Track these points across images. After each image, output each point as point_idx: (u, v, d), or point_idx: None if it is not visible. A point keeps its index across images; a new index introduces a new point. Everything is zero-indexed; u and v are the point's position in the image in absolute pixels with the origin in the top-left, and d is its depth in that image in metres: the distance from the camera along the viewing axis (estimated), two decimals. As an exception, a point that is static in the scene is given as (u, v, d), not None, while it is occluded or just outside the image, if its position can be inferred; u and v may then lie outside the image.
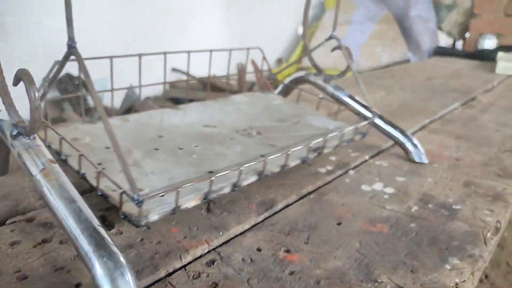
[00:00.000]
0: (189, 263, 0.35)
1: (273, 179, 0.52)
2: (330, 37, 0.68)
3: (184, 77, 1.99)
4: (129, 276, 0.28)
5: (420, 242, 0.41)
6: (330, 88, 0.71)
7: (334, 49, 0.68)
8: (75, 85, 1.47)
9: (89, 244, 0.29)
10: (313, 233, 0.41)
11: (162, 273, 0.34)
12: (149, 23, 1.89)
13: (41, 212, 0.41)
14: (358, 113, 0.67)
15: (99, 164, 0.44)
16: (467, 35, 2.16)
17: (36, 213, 0.41)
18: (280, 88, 0.80)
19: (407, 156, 0.63)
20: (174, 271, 0.34)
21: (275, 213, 0.45)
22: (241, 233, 0.41)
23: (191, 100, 2.12)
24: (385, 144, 0.68)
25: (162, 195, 0.35)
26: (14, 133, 0.36)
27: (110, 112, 0.81)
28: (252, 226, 0.42)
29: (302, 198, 0.49)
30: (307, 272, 0.35)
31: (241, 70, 1.87)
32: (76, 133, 0.52)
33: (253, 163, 0.42)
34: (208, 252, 0.37)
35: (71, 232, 0.30)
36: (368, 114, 0.65)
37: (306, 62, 2.41)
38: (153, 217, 0.35)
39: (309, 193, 0.50)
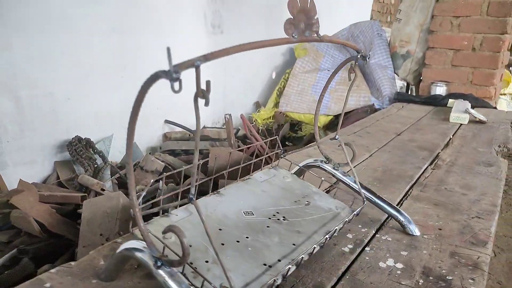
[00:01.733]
0: None
1: (312, 261, 0.68)
2: (334, 138, 0.86)
3: (177, 128, 2.13)
4: None
5: (432, 313, 0.59)
6: (338, 174, 0.89)
7: (340, 145, 0.87)
8: (84, 145, 1.57)
9: None
10: (359, 312, 0.58)
11: None
12: (141, 81, 2.02)
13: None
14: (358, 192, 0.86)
15: (191, 263, 0.58)
16: (421, 80, 2.46)
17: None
18: (295, 169, 0.97)
19: (403, 229, 0.82)
20: None
21: (326, 295, 0.62)
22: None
23: (185, 151, 2.21)
24: (383, 216, 0.87)
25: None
26: (159, 264, 0.50)
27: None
28: (316, 310, 0.58)
29: (340, 279, 0.66)
30: None
31: (229, 121, 2.03)
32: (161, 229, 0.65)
33: (298, 256, 0.59)
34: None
35: None
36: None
37: (282, 106, 2.62)
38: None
39: (343, 273, 0.67)
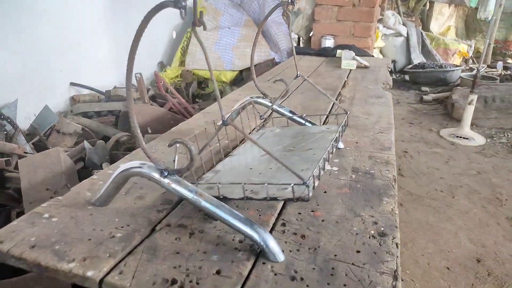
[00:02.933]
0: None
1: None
2: (297, 76, 1.00)
3: (84, 91, 2.03)
4: (267, 233, 0.57)
5: (368, 193, 0.78)
6: (275, 107, 1.04)
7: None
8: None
9: (243, 225, 0.57)
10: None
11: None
12: (44, 44, 1.86)
13: (170, 219, 0.64)
14: (298, 122, 1.02)
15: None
16: (312, 35, 2.73)
17: (168, 220, 0.64)
18: (233, 110, 1.08)
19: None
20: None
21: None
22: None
23: (98, 112, 2.17)
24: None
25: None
26: (165, 174, 0.59)
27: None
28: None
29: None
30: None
31: (140, 80, 2.03)
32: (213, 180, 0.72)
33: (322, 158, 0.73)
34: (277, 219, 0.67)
35: (229, 222, 0.57)
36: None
37: (188, 65, 2.66)
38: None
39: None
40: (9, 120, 1.53)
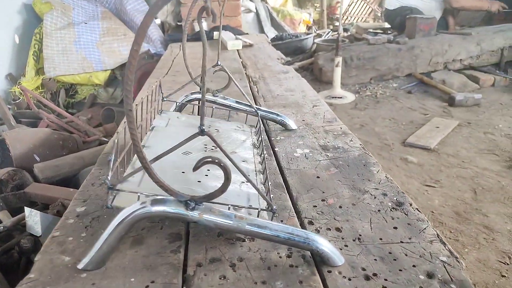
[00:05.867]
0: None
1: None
2: (216, 64, 0.90)
3: None
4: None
5: (354, 167, 0.78)
6: (220, 100, 0.95)
7: (215, 71, 0.92)
8: None
9: (295, 235, 0.50)
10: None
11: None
12: None
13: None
14: (245, 111, 0.95)
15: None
16: (182, 21, 2.60)
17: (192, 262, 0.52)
18: (174, 106, 0.95)
19: (286, 127, 0.97)
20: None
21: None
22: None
23: None
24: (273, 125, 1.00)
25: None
26: (192, 206, 0.47)
27: None
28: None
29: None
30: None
31: (-1, 100, 1.65)
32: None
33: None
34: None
35: (278, 238, 0.50)
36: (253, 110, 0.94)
37: (49, 72, 2.26)
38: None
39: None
40: None
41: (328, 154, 0.84)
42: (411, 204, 0.66)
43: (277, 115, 0.97)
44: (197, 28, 2.52)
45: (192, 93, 0.97)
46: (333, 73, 2.90)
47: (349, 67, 3.17)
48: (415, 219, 0.62)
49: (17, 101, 1.99)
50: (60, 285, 0.48)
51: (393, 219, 0.62)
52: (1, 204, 1.11)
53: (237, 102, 0.96)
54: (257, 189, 0.53)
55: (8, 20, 2.44)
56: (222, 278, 0.49)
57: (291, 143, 0.90)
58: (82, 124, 1.65)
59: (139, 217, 0.48)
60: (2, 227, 1.00)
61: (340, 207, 0.65)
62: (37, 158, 1.43)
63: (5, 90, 2.20)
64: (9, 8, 2.42)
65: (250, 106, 0.95)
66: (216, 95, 0.95)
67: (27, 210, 0.96)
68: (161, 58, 2.02)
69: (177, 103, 0.95)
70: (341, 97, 2.89)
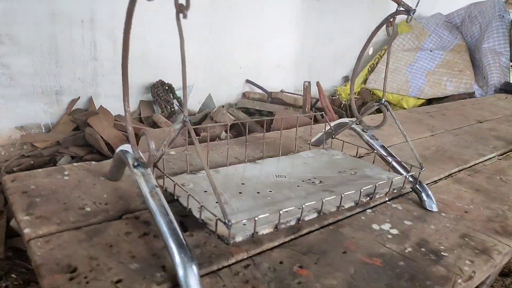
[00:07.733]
0: (233, 264, 0.54)
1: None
2: (380, 103, 0.82)
3: (256, 89, 2.20)
4: (194, 267, 0.47)
5: (400, 277, 0.55)
6: (366, 136, 0.85)
7: (378, 110, 0.83)
8: (165, 90, 1.73)
9: (172, 242, 0.48)
10: (323, 256, 0.58)
11: (215, 267, 0.52)
12: (231, 39, 2.11)
13: (143, 213, 0.62)
14: (385, 160, 0.81)
15: (200, 202, 0.56)
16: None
17: (140, 213, 0.62)
18: (328, 127, 0.95)
19: (421, 203, 0.76)
20: (222, 268, 0.53)
21: (300, 236, 0.62)
22: (271, 248, 0.58)
23: (259, 111, 2.29)
24: (406, 189, 0.81)
25: (245, 224, 0.51)
26: (136, 164, 0.57)
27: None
28: (280, 244, 0.59)
29: (322, 227, 0.65)
30: (310, 285, 0.52)
31: (307, 88, 2.03)
32: (183, 181, 0.67)
33: (313, 202, 0.57)
34: (246, 258, 0.55)
35: (163, 233, 0.50)
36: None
37: (369, 83, 2.50)
38: (238, 238, 0.49)
39: (329, 224, 0.66)
40: (179, 99, 1.79)
41: (410, 249, 0.62)
42: None
43: (421, 185, 0.76)
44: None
45: (343, 121, 0.91)
46: None
47: None
48: None
49: (333, 98, 2.36)
50: (88, 174, 0.71)
51: None
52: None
53: (382, 147, 0.83)
54: (220, 201, 0.50)
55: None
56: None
57: (394, 215, 0.71)
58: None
59: (119, 155, 0.62)
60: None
61: (315, 263, 0.52)
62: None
63: (335, 87, 2.64)
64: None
65: (405, 169, 0.78)
66: (366, 130, 0.86)
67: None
68: (459, 100, 1.80)
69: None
70: None
